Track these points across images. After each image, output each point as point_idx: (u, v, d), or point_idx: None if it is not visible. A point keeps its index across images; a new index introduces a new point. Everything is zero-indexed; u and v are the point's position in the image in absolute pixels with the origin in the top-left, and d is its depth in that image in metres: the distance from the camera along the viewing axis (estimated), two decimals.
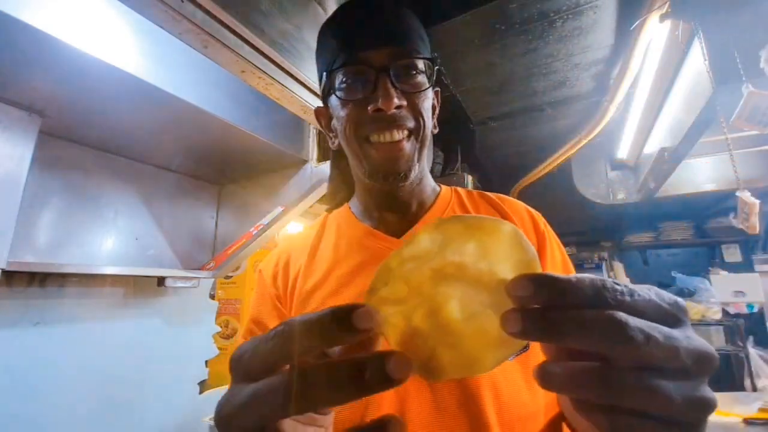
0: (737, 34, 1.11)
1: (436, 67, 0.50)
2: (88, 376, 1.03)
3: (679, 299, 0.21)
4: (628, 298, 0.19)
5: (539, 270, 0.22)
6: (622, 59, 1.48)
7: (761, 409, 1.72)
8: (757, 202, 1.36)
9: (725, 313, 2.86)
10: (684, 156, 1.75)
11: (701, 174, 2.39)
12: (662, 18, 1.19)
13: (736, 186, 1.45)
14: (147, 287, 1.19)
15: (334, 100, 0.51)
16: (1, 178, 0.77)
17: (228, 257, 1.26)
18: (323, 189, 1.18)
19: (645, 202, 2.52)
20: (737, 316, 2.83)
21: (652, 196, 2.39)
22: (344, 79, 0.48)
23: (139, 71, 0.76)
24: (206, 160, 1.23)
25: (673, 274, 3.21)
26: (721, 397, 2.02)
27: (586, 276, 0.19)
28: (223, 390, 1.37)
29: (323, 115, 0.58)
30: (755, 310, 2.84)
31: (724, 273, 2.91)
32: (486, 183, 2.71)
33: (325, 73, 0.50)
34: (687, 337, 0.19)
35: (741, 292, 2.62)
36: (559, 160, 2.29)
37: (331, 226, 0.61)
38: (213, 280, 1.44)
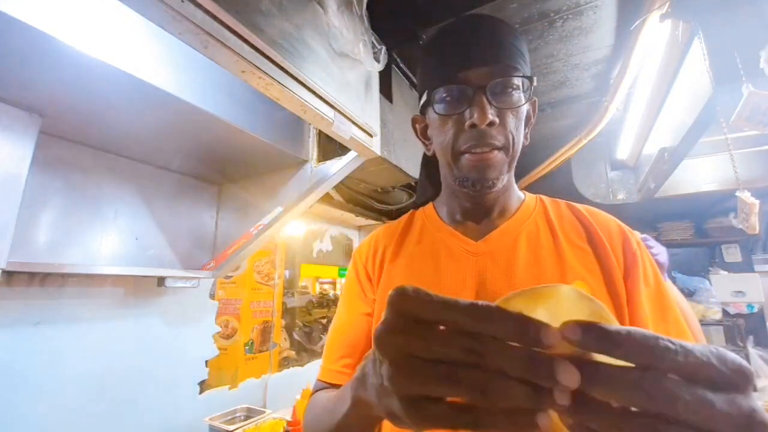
0: (737, 34, 1.11)
1: (534, 84, 0.53)
2: (88, 376, 1.03)
3: (744, 363, 0.19)
4: (681, 359, 0.18)
5: (611, 320, 0.22)
6: (622, 59, 1.48)
7: None
8: (757, 202, 1.36)
9: (725, 313, 2.86)
10: (684, 156, 1.75)
11: (701, 174, 2.39)
12: (662, 18, 1.19)
13: (736, 186, 1.45)
14: (147, 287, 1.19)
15: (432, 114, 0.56)
16: (1, 178, 0.77)
17: (228, 257, 1.26)
18: (323, 189, 1.18)
19: (645, 202, 2.52)
20: (737, 316, 2.83)
21: (652, 196, 2.38)
22: (443, 96, 0.53)
23: (139, 71, 0.76)
24: (206, 160, 1.23)
25: (672, 273, 3.21)
26: None
27: (639, 331, 0.19)
28: (223, 390, 1.36)
29: (419, 122, 0.64)
30: (755, 310, 2.84)
31: (724, 273, 2.91)
32: None
33: (427, 90, 0.54)
34: (737, 405, 0.18)
35: (741, 292, 2.62)
36: (559, 160, 2.28)
37: (417, 221, 0.67)
38: (213, 280, 1.44)
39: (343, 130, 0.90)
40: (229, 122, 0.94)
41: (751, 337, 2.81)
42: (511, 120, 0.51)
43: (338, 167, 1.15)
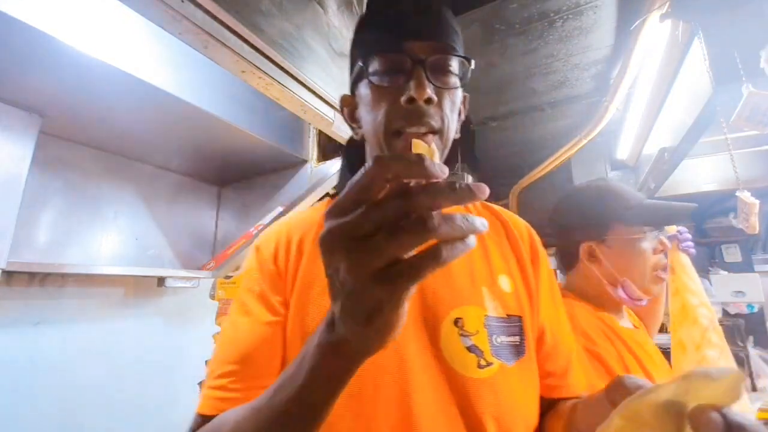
0: (737, 34, 1.11)
1: (471, 68, 0.49)
2: (88, 376, 1.03)
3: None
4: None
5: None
6: (622, 59, 1.48)
7: (761, 409, 1.72)
8: (757, 202, 1.36)
9: (725, 313, 2.86)
10: (684, 156, 1.75)
11: (701, 174, 2.39)
12: (662, 18, 1.19)
13: (736, 186, 1.45)
14: (147, 287, 1.19)
15: (364, 89, 0.50)
16: (1, 178, 0.77)
17: (228, 257, 1.26)
18: (323, 189, 1.18)
19: None
20: (737, 316, 2.83)
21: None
22: (380, 67, 0.48)
23: (140, 72, 0.76)
24: (206, 161, 1.23)
25: None
26: None
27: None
28: None
29: (349, 104, 0.57)
30: (755, 310, 2.84)
31: (724, 273, 2.90)
32: (486, 183, 2.70)
33: (360, 60, 0.49)
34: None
35: (741, 292, 2.61)
36: (559, 160, 2.29)
37: None
38: (213, 280, 1.44)
39: (343, 130, 0.90)
40: (229, 122, 0.94)
41: (751, 337, 2.81)
42: (447, 102, 0.48)
43: (338, 167, 1.15)
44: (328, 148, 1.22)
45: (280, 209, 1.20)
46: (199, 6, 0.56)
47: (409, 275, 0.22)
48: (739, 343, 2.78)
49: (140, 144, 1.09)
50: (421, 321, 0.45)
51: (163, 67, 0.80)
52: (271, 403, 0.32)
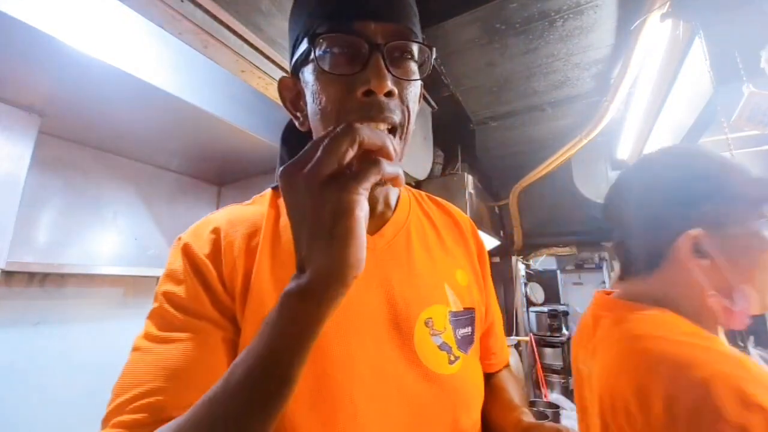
0: (737, 34, 1.11)
1: (434, 57, 0.44)
2: (88, 376, 1.03)
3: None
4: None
5: None
6: (622, 59, 1.48)
7: None
8: None
9: None
10: None
11: None
12: (662, 18, 1.19)
13: None
14: (147, 287, 1.19)
15: (309, 73, 0.43)
16: (1, 178, 0.77)
17: None
18: None
19: None
20: None
21: None
22: (330, 50, 0.40)
23: (139, 72, 0.76)
24: (206, 160, 1.23)
25: None
26: None
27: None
28: None
29: (289, 88, 0.49)
30: None
31: None
32: (486, 183, 2.71)
33: (305, 38, 0.42)
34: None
35: None
36: (559, 160, 2.28)
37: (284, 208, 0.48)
38: None
39: None
40: (229, 122, 0.94)
41: (751, 337, 2.81)
42: (408, 94, 0.42)
43: None
44: None
45: None
46: (199, 6, 0.56)
47: (356, 178, 0.25)
48: (740, 343, 2.78)
49: (140, 144, 1.09)
50: (393, 326, 0.43)
51: (164, 67, 0.80)
52: (225, 385, 0.27)
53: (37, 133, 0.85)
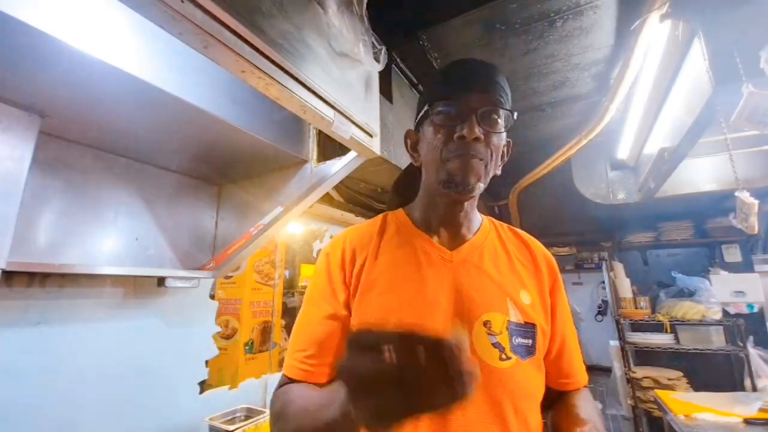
0: (737, 34, 1.11)
1: (515, 116, 0.63)
2: (88, 376, 1.03)
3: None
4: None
5: None
6: (622, 59, 1.48)
7: (761, 410, 1.72)
8: (756, 202, 1.36)
9: (725, 313, 2.86)
10: (684, 156, 1.75)
11: (701, 174, 2.39)
12: (662, 18, 1.19)
13: (735, 186, 1.45)
14: (147, 287, 1.19)
15: (427, 126, 0.65)
16: (1, 178, 0.77)
17: (228, 257, 1.26)
18: (323, 189, 1.18)
19: (645, 202, 2.52)
20: (737, 316, 2.83)
21: (652, 196, 2.38)
22: (441, 110, 0.62)
23: (139, 71, 0.76)
24: (206, 160, 1.23)
25: (673, 274, 3.21)
26: (721, 397, 2.01)
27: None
28: (223, 390, 1.36)
29: (412, 138, 0.72)
30: (755, 310, 2.84)
31: (724, 273, 2.90)
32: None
33: (427, 105, 0.64)
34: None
35: (741, 292, 2.61)
36: (559, 160, 2.29)
37: (390, 225, 0.72)
38: (213, 280, 1.44)
39: (342, 130, 0.90)
40: (229, 122, 0.94)
41: (751, 337, 2.81)
42: (492, 139, 0.61)
43: (338, 167, 1.15)
44: (328, 148, 1.22)
45: (280, 209, 1.20)
46: (199, 6, 0.56)
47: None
48: (739, 343, 2.78)
49: (140, 144, 1.09)
50: (457, 320, 0.57)
51: (164, 66, 0.80)
52: (315, 415, 0.45)
53: (38, 133, 0.85)
